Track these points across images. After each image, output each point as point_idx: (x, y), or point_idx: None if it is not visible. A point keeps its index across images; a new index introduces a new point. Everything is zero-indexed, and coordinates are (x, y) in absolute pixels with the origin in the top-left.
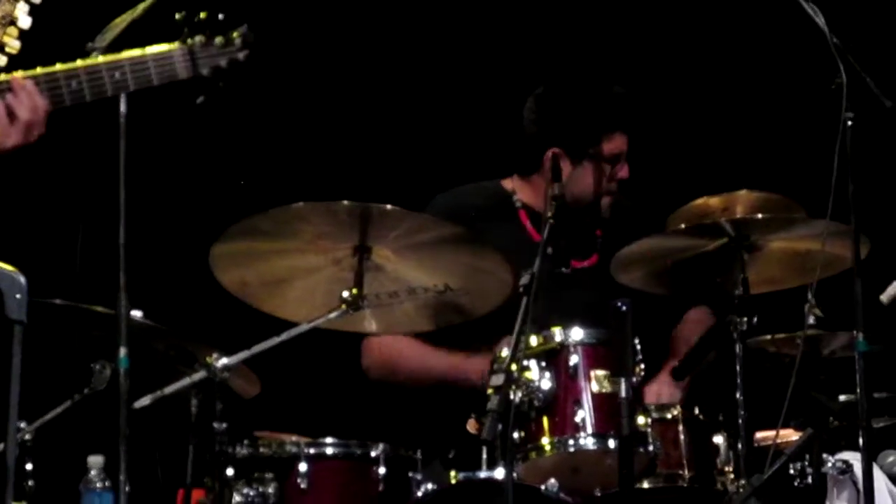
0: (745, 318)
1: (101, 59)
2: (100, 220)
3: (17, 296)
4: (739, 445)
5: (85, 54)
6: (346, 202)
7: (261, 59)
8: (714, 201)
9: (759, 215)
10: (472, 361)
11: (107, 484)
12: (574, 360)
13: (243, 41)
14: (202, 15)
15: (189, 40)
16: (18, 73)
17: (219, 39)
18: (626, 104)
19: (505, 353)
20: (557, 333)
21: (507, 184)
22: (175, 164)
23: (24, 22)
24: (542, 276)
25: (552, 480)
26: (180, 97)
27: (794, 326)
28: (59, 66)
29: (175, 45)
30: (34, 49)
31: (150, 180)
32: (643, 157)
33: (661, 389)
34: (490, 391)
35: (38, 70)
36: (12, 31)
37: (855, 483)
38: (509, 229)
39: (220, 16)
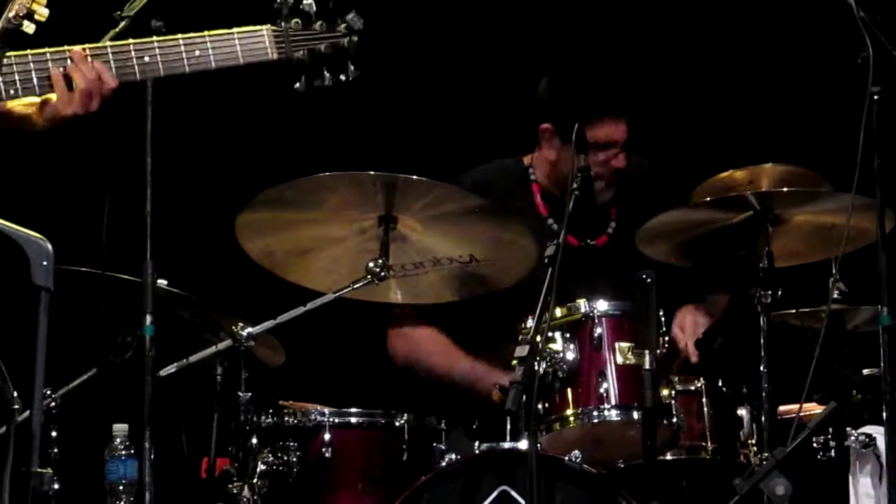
0: (770, 292)
1: (179, 35)
2: (126, 189)
3: (44, 263)
4: (763, 418)
5: (113, 23)
6: (371, 172)
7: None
8: (739, 174)
9: (785, 189)
10: (492, 374)
11: (131, 452)
12: (598, 331)
13: (348, 27)
14: (307, 0)
15: (283, 22)
16: (85, 46)
17: (319, 23)
18: (620, 91)
19: (530, 323)
20: (582, 305)
21: (527, 159)
22: (201, 133)
23: None
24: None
25: (575, 451)
26: (277, 82)
27: (819, 300)
28: (130, 40)
29: (265, 26)
30: (62, 20)
31: (176, 149)
32: (670, 130)
33: (697, 318)
34: (514, 362)
35: (108, 43)
36: None
37: (878, 457)
38: (528, 203)
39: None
